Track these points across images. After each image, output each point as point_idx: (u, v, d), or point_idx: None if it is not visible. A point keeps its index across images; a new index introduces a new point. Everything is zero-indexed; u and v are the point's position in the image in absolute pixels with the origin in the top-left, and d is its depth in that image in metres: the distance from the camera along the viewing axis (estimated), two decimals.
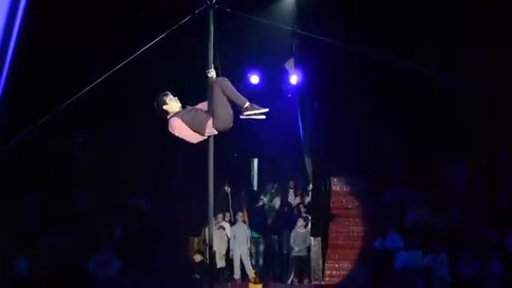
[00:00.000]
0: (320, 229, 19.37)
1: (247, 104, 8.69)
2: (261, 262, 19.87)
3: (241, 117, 8.76)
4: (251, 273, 18.56)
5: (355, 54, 12.70)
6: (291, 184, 21.10)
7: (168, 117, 8.78)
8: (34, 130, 9.59)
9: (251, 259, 19.59)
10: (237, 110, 8.73)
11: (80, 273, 17.43)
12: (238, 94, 8.78)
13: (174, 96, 8.87)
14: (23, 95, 14.93)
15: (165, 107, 8.80)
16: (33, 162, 18.03)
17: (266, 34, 16.26)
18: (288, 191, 21.18)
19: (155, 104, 8.80)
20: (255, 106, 8.75)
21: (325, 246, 19.51)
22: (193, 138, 8.89)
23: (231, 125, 8.84)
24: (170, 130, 8.80)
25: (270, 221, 20.51)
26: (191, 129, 8.80)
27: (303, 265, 19.28)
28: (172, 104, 8.83)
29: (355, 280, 18.91)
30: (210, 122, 8.72)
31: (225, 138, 9.78)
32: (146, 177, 19.47)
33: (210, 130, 8.82)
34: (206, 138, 9.07)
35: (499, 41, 17.35)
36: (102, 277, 17.73)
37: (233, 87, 8.79)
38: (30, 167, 18.08)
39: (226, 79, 8.83)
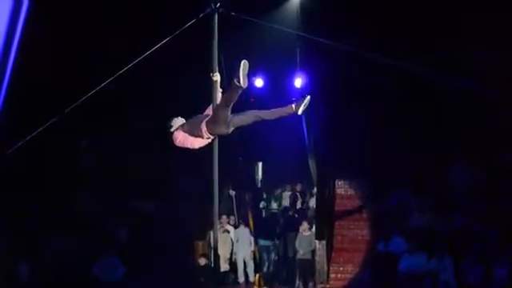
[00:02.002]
0: (324, 232, 19.38)
1: (293, 106, 9.20)
2: (271, 268, 19.93)
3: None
4: (256, 277, 18.54)
5: (360, 57, 12.64)
6: (296, 187, 21.09)
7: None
8: (38, 133, 9.59)
9: (255, 263, 19.59)
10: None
11: (84, 277, 17.42)
12: (277, 109, 9.28)
13: (177, 116, 9.36)
14: (26, 99, 14.93)
15: (172, 130, 9.30)
16: (36, 165, 18.01)
17: (270, 38, 16.26)
18: (292, 194, 21.20)
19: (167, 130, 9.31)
20: (299, 102, 9.23)
21: (329, 249, 19.52)
22: (195, 143, 9.11)
23: (227, 131, 8.99)
24: (175, 143, 9.10)
25: (274, 224, 20.53)
26: (191, 135, 9.01)
27: (308, 268, 19.28)
28: (176, 124, 9.32)
29: (360, 283, 18.92)
30: (204, 123, 8.89)
31: (229, 142, 9.80)
32: (151, 180, 19.47)
33: (208, 135, 9.00)
34: (208, 141, 9.16)
35: (502, 42, 17.32)
36: (106, 280, 17.71)
37: (267, 111, 9.28)
38: (33, 171, 18.06)
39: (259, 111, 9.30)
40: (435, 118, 19.07)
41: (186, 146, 9.23)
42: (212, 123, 9.00)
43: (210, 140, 9.17)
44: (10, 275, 17.01)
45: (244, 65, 8.71)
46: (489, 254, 17.05)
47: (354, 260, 19.67)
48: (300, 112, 9.28)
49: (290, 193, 21.49)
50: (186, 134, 9.15)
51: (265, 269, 19.88)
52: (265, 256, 19.98)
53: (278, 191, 21.94)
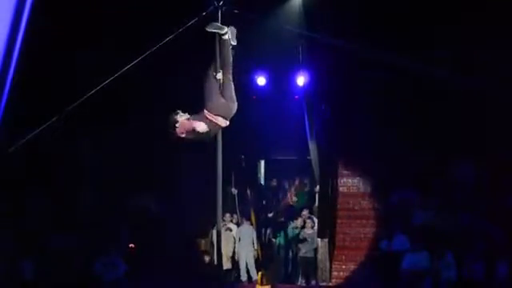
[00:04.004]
0: (327, 230, 19.38)
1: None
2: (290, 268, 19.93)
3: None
4: (258, 275, 18.55)
5: (362, 55, 12.63)
6: (298, 185, 21.09)
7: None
8: (40, 132, 9.57)
9: (258, 261, 19.60)
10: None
11: (86, 275, 17.42)
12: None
13: (184, 112, 8.88)
14: (29, 97, 14.91)
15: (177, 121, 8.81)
16: (39, 164, 18.01)
17: (273, 36, 16.25)
18: (294, 192, 21.23)
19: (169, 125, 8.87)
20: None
21: (332, 247, 19.51)
22: (199, 127, 8.78)
23: (229, 110, 8.83)
24: (180, 134, 8.82)
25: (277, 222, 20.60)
26: (194, 119, 8.79)
27: (310, 266, 19.28)
28: (180, 117, 8.85)
29: (362, 281, 18.91)
30: (205, 109, 8.78)
31: (232, 140, 9.77)
32: (153, 179, 19.46)
33: (211, 115, 8.78)
34: (211, 125, 8.95)
35: (504, 41, 17.28)
36: (108, 279, 17.71)
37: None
38: (35, 170, 18.06)
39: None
40: (439, 115, 19.02)
41: (190, 132, 8.91)
42: (209, 101, 8.81)
43: (211, 124, 8.89)
44: (13, 273, 17.02)
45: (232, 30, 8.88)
46: (492, 251, 17.06)
47: (357, 258, 19.65)
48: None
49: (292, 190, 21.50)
50: (188, 121, 8.88)
51: (283, 269, 19.91)
52: (282, 254, 19.97)
53: (281, 188, 21.94)
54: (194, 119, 8.85)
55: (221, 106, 8.77)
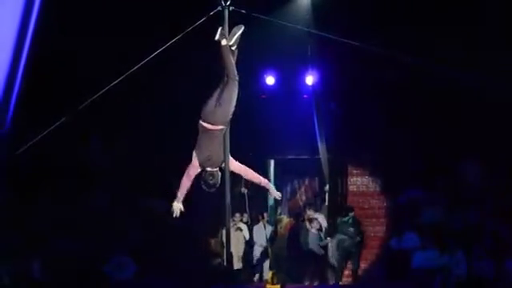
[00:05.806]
0: (337, 229, 19.37)
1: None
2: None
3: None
4: (269, 274, 18.54)
5: (371, 53, 12.61)
6: (307, 184, 21.09)
7: None
8: (50, 132, 9.59)
9: (270, 261, 19.60)
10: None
11: (95, 275, 17.42)
12: None
13: None
14: (36, 98, 14.94)
15: None
16: (48, 164, 18.05)
17: (281, 35, 16.23)
18: (303, 191, 21.22)
19: None
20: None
21: None
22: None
23: (217, 115, 9.11)
24: None
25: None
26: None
27: (320, 265, 19.27)
28: None
29: (372, 279, 18.91)
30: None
31: (241, 139, 9.79)
32: (163, 179, 19.46)
33: (201, 123, 9.21)
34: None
35: None
36: (117, 279, 17.72)
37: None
38: (44, 169, 18.09)
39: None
40: (448, 114, 18.98)
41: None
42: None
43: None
44: (21, 273, 17.04)
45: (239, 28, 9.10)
46: (501, 248, 17.02)
47: (367, 256, 19.67)
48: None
49: (300, 190, 21.46)
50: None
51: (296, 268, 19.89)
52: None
53: (290, 188, 21.92)
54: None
55: (209, 112, 8.97)
